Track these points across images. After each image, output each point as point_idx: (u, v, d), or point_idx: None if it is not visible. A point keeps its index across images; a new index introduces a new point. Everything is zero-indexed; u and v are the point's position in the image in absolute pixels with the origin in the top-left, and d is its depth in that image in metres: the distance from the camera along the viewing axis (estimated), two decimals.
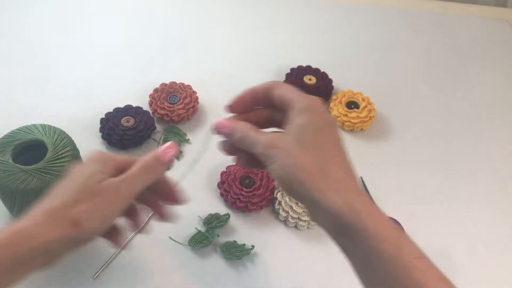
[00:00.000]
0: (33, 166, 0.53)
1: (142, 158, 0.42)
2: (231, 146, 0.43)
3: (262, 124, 0.43)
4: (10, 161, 0.53)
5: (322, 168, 0.36)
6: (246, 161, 0.43)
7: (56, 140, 0.55)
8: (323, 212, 0.35)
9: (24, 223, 0.36)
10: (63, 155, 0.54)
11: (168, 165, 0.42)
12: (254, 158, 0.40)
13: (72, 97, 0.76)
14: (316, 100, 0.39)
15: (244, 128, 0.40)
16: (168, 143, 0.43)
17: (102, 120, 0.70)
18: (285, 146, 0.37)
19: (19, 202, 0.53)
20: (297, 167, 0.36)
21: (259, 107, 0.43)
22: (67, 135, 0.58)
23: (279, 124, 0.42)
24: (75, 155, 0.57)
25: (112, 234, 0.44)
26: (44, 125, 0.57)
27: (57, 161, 0.54)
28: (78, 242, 0.38)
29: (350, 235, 0.35)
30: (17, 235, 0.35)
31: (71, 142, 0.57)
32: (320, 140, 0.37)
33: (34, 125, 0.57)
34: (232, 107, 0.43)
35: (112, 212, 0.40)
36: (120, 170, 0.42)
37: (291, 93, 0.39)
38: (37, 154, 0.55)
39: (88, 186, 0.39)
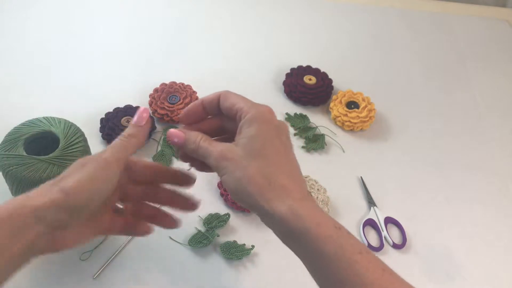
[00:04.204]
0: (51, 155, 0.54)
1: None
2: (186, 154, 0.45)
3: (214, 132, 0.46)
4: (25, 154, 0.55)
5: (269, 178, 0.38)
6: (200, 166, 0.45)
7: (64, 129, 0.57)
8: (272, 219, 0.38)
9: (20, 197, 0.37)
10: (75, 141, 0.57)
11: (146, 128, 0.44)
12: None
13: (72, 97, 0.76)
14: (264, 109, 0.41)
15: (196, 139, 0.42)
16: (141, 108, 0.45)
17: (102, 120, 0.70)
18: (235, 158, 0.39)
19: None
20: (247, 180, 0.38)
21: (210, 117, 0.46)
22: (72, 123, 0.59)
23: (230, 132, 0.44)
24: (85, 139, 0.59)
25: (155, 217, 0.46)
26: (47, 117, 0.59)
27: (72, 148, 0.56)
28: (69, 209, 0.37)
29: (297, 238, 0.37)
30: (11, 206, 0.36)
31: (78, 129, 0.59)
32: (268, 150, 0.39)
33: (37, 118, 0.59)
34: (182, 119, 0.45)
35: (100, 178, 0.39)
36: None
37: (240, 103, 0.42)
38: (42, 145, 0.57)
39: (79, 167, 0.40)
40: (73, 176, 0.38)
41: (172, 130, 0.43)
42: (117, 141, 0.42)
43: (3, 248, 0.34)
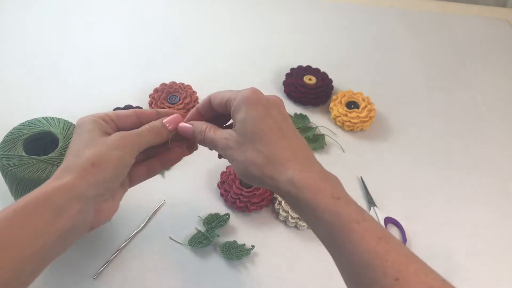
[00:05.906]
0: (51, 155, 0.55)
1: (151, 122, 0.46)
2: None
3: (223, 122, 0.48)
4: (24, 155, 0.55)
5: (268, 156, 0.41)
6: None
7: (63, 129, 0.58)
8: (279, 192, 0.41)
9: (51, 181, 0.39)
10: None
11: (172, 132, 0.46)
12: None
13: (72, 97, 0.76)
14: (248, 92, 0.43)
15: (201, 129, 0.45)
16: (175, 115, 0.47)
17: None
18: (234, 145, 0.42)
19: None
20: (248, 163, 0.41)
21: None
22: (72, 123, 0.59)
23: None
24: None
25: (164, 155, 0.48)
26: (46, 117, 0.59)
27: None
28: (102, 182, 0.40)
29: (300, 208, 0.39)
30: (47, 189, 0.38)
31: None
32: (260, 129, 0.41)
33: (36, 118, 0.59)
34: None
35: (125, 155, 0.42)
36: (117, 126, 0.45)
37: (226, 94, 0.44)
38: (41, 145, 0.58)
39: (94, 138, 0.41)
40: (98, 149, 0.40)
41: (181, 124, 0.46)
42: (144, 130, 0.44)
43: (47, 226, 0.36)
